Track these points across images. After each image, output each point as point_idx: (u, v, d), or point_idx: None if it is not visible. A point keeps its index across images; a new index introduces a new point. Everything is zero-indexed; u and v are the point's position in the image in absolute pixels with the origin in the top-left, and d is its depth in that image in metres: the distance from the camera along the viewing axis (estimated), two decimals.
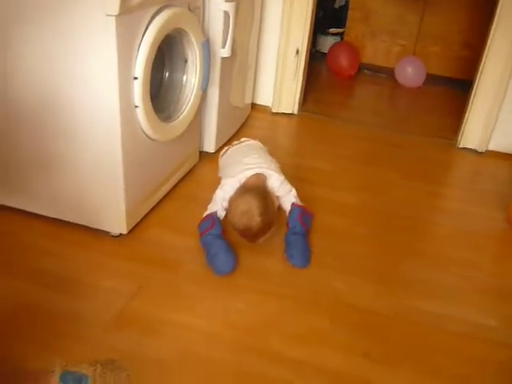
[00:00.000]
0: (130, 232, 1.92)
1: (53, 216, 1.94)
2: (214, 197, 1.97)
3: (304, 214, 2.00)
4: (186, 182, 2.33)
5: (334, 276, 1.84)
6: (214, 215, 1.92)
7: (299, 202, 2.02)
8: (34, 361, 1.37)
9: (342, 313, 1.69)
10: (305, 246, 1.92)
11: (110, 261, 1.81)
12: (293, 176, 2.15)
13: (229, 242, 1.85)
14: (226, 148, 2.28)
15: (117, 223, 1.88)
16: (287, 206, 2.01)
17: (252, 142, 2.28)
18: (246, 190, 1.89)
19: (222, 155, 2.25)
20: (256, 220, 1.80)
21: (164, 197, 2.16)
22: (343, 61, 4.12)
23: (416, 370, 1.51)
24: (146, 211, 2.04)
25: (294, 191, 2.02)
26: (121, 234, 1.91)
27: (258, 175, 1.98)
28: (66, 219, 1.93)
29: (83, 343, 1.48)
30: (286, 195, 2.01)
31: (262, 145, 2.29)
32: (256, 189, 1.88)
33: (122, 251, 1.86)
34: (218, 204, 1.94)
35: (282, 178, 2.01)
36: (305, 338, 1.58)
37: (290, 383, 1.43)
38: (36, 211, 1.95)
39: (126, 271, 1.78)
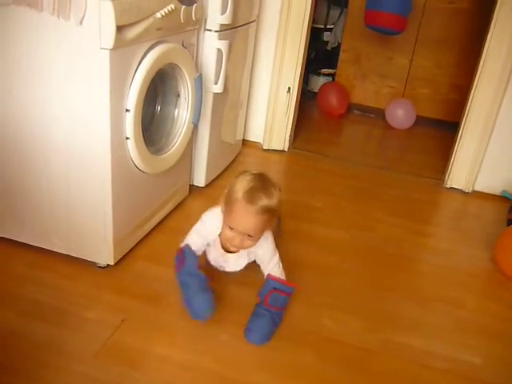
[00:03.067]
0: (117, 263, 1.92)
1: (39, 245, 1.93)
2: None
3: (277, 292, 1.71)
4: (174, 215, 2.34)
5: (323, 312, 1.84)
6: (185, 249, 1.73)
7: (279, 273, 1.75)
8: None
9: (329, 348, 1.68)
10: (267, 327, 1.67)
11: (96, 292, 1.80)
12: (282, 212, 2.15)
13: (207, 277, 1.70)
14: None
15: (104, 254, 1.88)
16: (265, 272, 1.76)
17: None
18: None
19: None
20: (271, 191, 1.58)
21: (152, 229, 2.17)
22: (333, 100, 4.20)
23: None
24: (134, 243, 2.04)
25: (277, 256, 1.77)
26: (108, 265, 1.90)
27: None
28: (53, 249, 1.92)
29: (66, 374, 1.46)
30: (269, 257, 1.75)
31: None
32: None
33: (108, 282, 1.85)
34: (193, 236, 1.77)
35: (267, 234, 1.75)
36: (291, 373, 1.57)
37: None
38: (22, 240, 1.95)
39: (111, 303, 1.77)
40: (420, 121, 4.16)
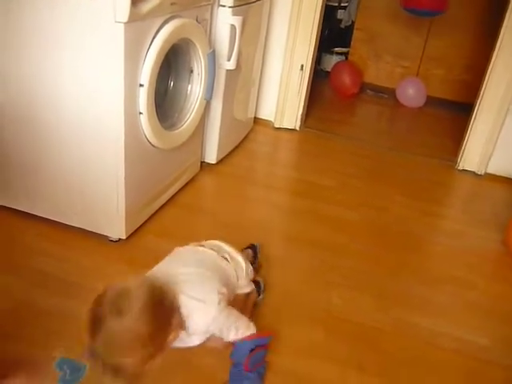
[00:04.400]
0: (128, 237, 1.93)
1: (53, 219, 1.95)
2: None
3: (257, 350, 1.39)
4: (186, 191, 2.34)
5: (332, 291, 1.85)
6: None
7: (247, 333, 1.37)
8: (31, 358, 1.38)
9: (338, 326, 1.69)
10: None
11: (107, 264, 1.82)
12: (293, 191, 2.18)
13: None
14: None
15: (116, 228, 1.90)
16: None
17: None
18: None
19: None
20: (126, 318, 1.10)
21: (164, 204, 2.18)
22: (346, 79, 4.16)
23: None
24: (146, 218, 2.05)
25: (239, 321, 1.36)
26: (120, 239, 1.92)
27: None
28: (67, 222, 1.94)
29: (76, 344, 1.48)
30: (228, 331, 1.34)
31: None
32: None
33: (119, 256, 1.87)
34: None
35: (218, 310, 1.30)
36: (301, 351, 1.58)
37: None
38: (37, 213, 1.97)
39: (122, 276, 1.78)
40: (432, 101, 4.12)
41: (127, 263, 1.84)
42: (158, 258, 1.87)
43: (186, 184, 2.37)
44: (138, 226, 2.00)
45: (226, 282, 1.44)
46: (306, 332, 1.65)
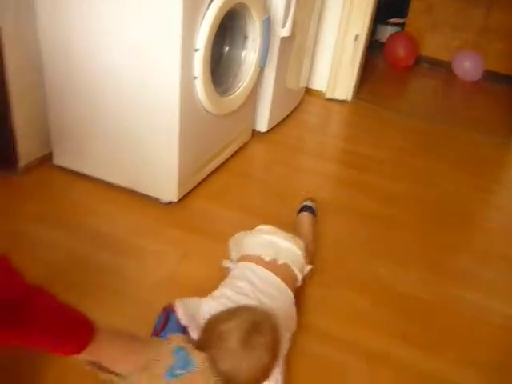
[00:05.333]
0: (179, 201, 1.97)
1: (106, 179, 2.01)
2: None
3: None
4: (236, 158, 2.36)
5: (380, 262, 1.85)
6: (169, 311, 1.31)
7: None
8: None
9: (384, 297, 1.69)
10: None
11: (158, 226, 1.87)
12: (343, 161, 2.16)
13: None
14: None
15: (168, 191, 1.94)
16: None
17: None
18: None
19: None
20: (261, 344, 1.12)
21: (214, 170, 2.20)
22: (401, 51, 4.07)
23: (454, 358, 1.50)
24: (197, 182, 2.09)
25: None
26: (171, 202, 1.96)
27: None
28: (119, 183, 2.00)
29: (126, 299, 1.54)
30: None
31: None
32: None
33: (170, 218, 1.91)
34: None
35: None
36: (347, 317, 1.59)
37: (328, 357, 1.45)
38: (90, 173, 2.03)
39: (173, 237, 1.83)
40: (490, 76, 3.98)
41: (177, 226, 1.88)
42: (208, 221, 1.92)
43: (237, 151, 2.39)
44: (189, 189, 2.04)
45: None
46: (353, 299, 1.66)
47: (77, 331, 1.07)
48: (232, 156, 2.35)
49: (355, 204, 2.16)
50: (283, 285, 1.45)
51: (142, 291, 1.58)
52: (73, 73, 1.86)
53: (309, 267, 1.59)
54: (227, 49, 2.13)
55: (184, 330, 1.24)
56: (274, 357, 1.15)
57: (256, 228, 1.63)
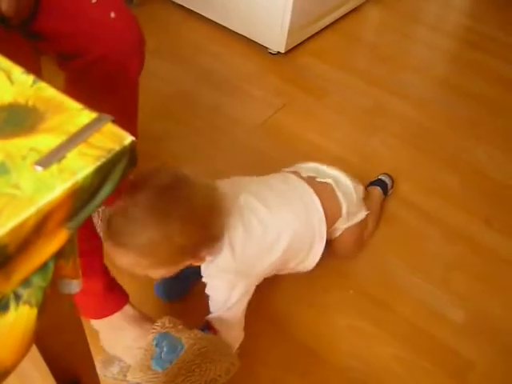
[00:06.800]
0: (286, 52, 1.98)
1: (221, 23, 2.04)
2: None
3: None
4: (349, 18, 2.28)
5: (480, 144, 1.80)
6: None
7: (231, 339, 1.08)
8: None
9: (475, 179, 1.67)
10: None
11: (264, 74, 1.91)
12: (463, 39, 2.00)
13: None
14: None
15: (277, 41, 1.94)
16: None
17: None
18: None
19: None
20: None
21: (325, 27, 2.15)
22: None
23: None
24: (306, 37, 2.06)
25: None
26: (278, 53, 1.97)
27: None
28: (232, 28, 2.02)
29: (230, 136, 1.65)
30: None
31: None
32: None
33: (276, 68, 1.94)
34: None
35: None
36: (433, 189, 1.61)
37: (409, 224, 1.50)
38: (206, 15, 2.06)
39: (276, 87, 1.87)
40: None
41: (281, 77, 1.91)
42: (311, 77, 1.93)
43: (351, 12, 2.30)
44: (298, 43, 2.03)
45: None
46: (442, 175, 1.66)
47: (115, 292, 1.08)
48: (345, 16, 2.26)
49: (464, 84, 2.05)
50: (316, 198, 1.17)
51: (239, 131, 1.68)
52: None
53: (364, 213, 1.30)
54: None
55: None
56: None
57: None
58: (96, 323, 1.07)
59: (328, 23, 2.17)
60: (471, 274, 1.40)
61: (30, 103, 0.46)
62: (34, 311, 0.43)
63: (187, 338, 0.98)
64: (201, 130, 1.66)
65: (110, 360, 1.08)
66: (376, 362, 1.20)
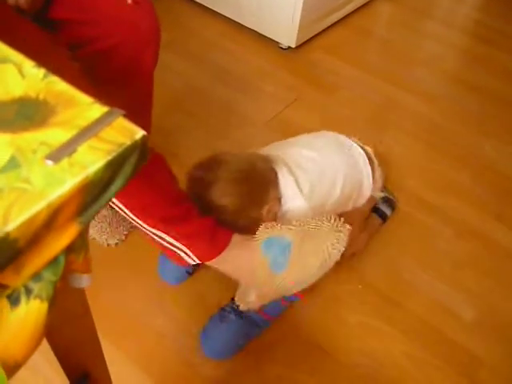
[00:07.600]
0: (297, 47, 1.97)
1: (234, 18, 2.04)
2: None
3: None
4: (360, 14, 2.27)
5: (488, 140, 1.79)
6: None
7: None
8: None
9: (484, 174, 1.66)
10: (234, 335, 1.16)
11: (275, 69, 1.91)
12: (475, 34, 1.97)
13: None
14: None
15: (288, 35, 1.93)
16: None
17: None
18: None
19: None
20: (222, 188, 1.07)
21: (336, 22, 2.15)
22: None
23: None
24: (317, 32, 2.06)
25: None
26: (289, 48, 1.96)
27: None
28: (243, 23, 2.02)
29: (240, 132, 1.63)
30: None
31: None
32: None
33: (286, 63, 1.94)
34: None
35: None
36: (444, 187, 1.60)
37: (419, 220, 1.49)
38: (218, 10, 2.07)
39: (287, 82, 1.86)
40: None
41: (292, 72, 1.90)
42: (322, 72, 1.92)
43: (362, 6, 2.29)
44: (308, 38, 2.02)
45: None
46: (452, 170, 1.65)
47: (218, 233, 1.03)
48: (356, 11, 2.25)
49: (474, 78, 2.04)
50: (355, 144, 1.34)
51: (250, 125, 1.67)
52: None
53: (381, 194, 1.40)
54: None
55: None
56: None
57: None
58: (216, 261, 1.03)
59: (339, 18, 2.16)
60: (481, 271, 1.39)
61: (41, 97, 0.46)
62: (45, 305, 0.43)
63: (289, 232, 1.01)
64: (212, 124, 1.66)
65: (244, 292, 1.09)
66: (386, 359, 1.19)
